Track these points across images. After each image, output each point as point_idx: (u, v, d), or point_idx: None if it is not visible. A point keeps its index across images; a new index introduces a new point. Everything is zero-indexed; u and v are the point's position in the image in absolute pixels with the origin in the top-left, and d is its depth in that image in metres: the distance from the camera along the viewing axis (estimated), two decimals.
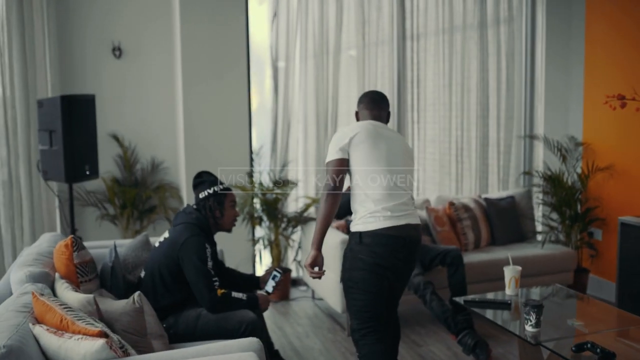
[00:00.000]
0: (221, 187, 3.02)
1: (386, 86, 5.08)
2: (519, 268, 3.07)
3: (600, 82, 4.78)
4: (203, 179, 3.05)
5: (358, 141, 2.60)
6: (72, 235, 2.66)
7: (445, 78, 5.16)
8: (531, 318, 2.60)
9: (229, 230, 3.07)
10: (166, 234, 2.99)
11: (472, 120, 5.24)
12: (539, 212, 5.15)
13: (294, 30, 4.89)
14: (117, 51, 4.65)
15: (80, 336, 1.90)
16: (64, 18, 4.50)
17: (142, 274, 2.99)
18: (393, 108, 5.06)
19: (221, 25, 4.60)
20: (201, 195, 3.00)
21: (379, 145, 2.61)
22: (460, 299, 3.09)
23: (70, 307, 2.11)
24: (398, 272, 2.59)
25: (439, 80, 5.17)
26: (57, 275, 2.57)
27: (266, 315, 4.34)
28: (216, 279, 2.80)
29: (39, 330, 1.97)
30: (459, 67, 5.16)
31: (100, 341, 1.83)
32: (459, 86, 5.19)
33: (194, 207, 3.01)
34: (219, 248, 3.46)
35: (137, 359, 1.83)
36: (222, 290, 2.79)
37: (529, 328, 2.61)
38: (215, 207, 2.97)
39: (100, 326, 2.00)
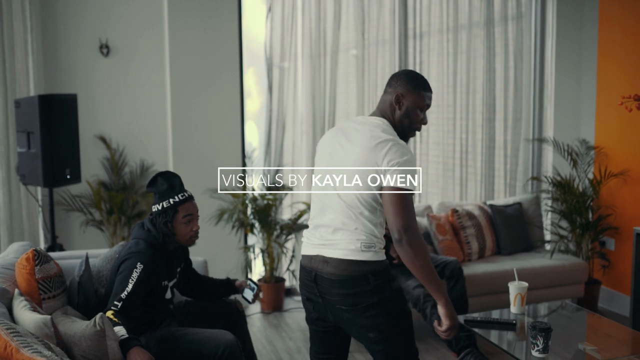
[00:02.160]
0: (171, 201, 2.59)
1: None
2: (525, 284, 2.82)
3: (613, 83, 4.52)
4: (155, 189, 2.63)
5: None
6: (34, 248, 2.44)
7: (450, 78, 4.93)
8: (538, 343, 2.36)
9: (189, 245, 2.72)
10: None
11: (477, 123, 5.00)
12: (547, 219, 4.89)
13: (290, 27, 4.67)
14: (105, 49, 4.44)
15: None
16: (48, 13, 4.29)
17: (104, 290, 2.73)
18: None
19: (212, 23, 4.39)
20: (153, 209, 2.63)
21: (333, 144, 2.19)
22: (461, 318, 2.84)
23: (18, 332, 1.89)
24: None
25: (443, 80, 4.94)
26: (16, 291, 2.35)
27: (257, 327, 4.12)
28: (120, 303, 2.43)
29: None
30: (464, 67, 4.92)
31: None
32: (464, 87, 4.95)
33: (150, 220, 2.64)
34: (202, 259, 3.23)
35: None
36: (112, 317, 2.39)
37: (535, 354, 2.37)
38: (164, 226, 2.59)
39: (48, 355, 1.78)
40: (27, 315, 2.14)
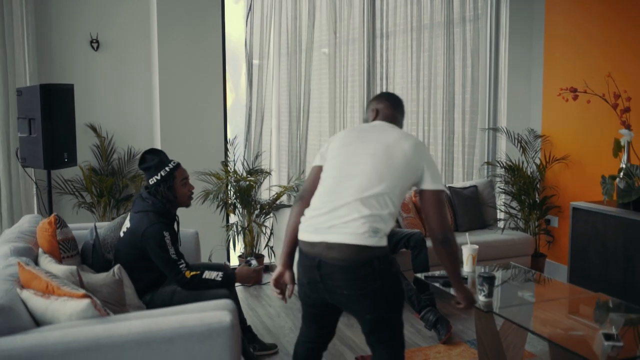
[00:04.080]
0: (167, 168, 2.98)
1: (356, 82, 5.29)
2: (476, 247, 3.29)
3: (557, 79, 5.07)
4: (147, 164, 3.00)
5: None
6: (55, 214, 2.80)
7: (413, 75, 5.39)
8: (484, 289, 2.82)
9: (187, 206, 3.11)
10: (127, 224, 3.03)
11: (438, 115, 5.48)
12: (500, 200, 5.42)
13: (268, 27, 5.07)
14: (95, 43, 4.77)
15: (66, 298, 2.06)
16: (42, 9, 4.61)
17: (112, 262, 3.06)
18: (362, 104, 5.28)
19: (197, 21, 4.75)
20: (151, 182, 2.98)
21: (347, 146, 2.32)
22: (421, 275, 3.30)
23: (55, 275, 2.26)
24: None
25: (407, 77, 5.40)
26: (40, 250, 2.71)
27: (239, 298, 4.51)
28: (182, 262, 2.85)
29: (27, 294, 2.12)
30: (426, 64, 5.39)
31: (86, 301, 1.99)
32: (427, 82, 5.42)
33: (148, 191, 3.00)
34: (193, 230, 3.61)
35: (121, 318, 1.99)
36: (193, 273, 2.84)
37: (482, 297, 2.83)
38: (166, 191, 2.97)
39: (83, 291, 2.16)
40: (54, 267, 2.51)
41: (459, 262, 2.35)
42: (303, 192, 2.35)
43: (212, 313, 1.94)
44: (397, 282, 2.23)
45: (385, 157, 2.20)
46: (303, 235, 2.22)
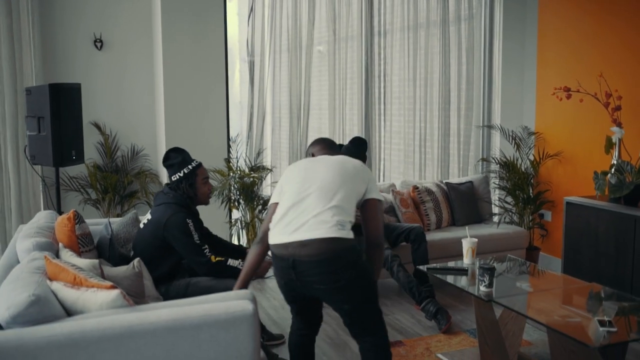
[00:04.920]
0: (190, 167, 3.15)
1: (355, 80, 5.42)
2: (475, 240, 3.44)
3: (550, 76, 5.22)
4: (171, 162, 3.18)
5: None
6: (74, 210, 2.91)
7: (410, 72, 5.52)
8: (485, 279, 2.97)
9: (205, 204, 3.29)
10: (149, 215, 3.19)
11: (434, 112, 5.62)
12: (495, 195, 5.57)
13: (269, 26, 5.18)
14: (99, 43, 4.86)
15: (95, 289, 2.17)
16: (47, 10, 4.68)
17: (132, 253, 3.21)
18: (361, 101, 5.42)
19: (200, 20, 4.84)
20: (173, 178, 3.16)
21: (303, 170, 2.58)
22: (423, 267, 3.44)
23: (80, 268, 2.38)
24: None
25: (404, 74, 5.53)
26: (60, 245, 2.82)
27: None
28: (206, 247, 3.02)
29: (57, 286, 2.23)
30: (422, 62, 5.53)
31: (116, 291, 2.11)
32: (423, 80, 5.55)
33: (169, 187, 3.18)
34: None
35: (149, 307, 2.11)
36: (218, 258, 3.00)
37: (482, 288, 2.98)
38: (188, 188, 3.14)
39: (111, 283, 2.28)
40: (77, 260, 2.62)
41: (381, 263, 2.64)
42: (263, 235, 2.53)
43: (236, 302, 2.06)
44: (369, 272, 2.44)
45: (338, 169, 2.51)
46: (275, 239, 2.40)
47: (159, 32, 4.81)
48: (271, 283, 4.87)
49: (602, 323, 2.50)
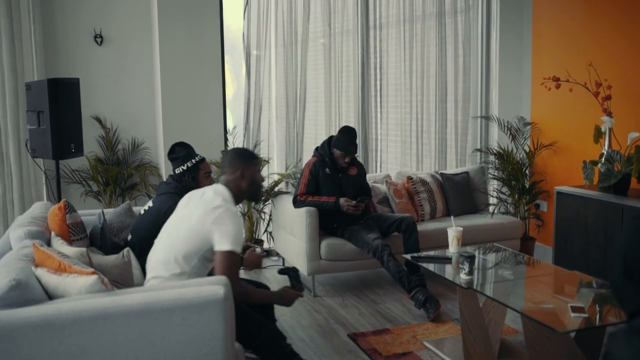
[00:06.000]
0: (194, 161, 3.28)
1: (351, 73, 5.47)
2: (460, 228, 3.49)
3: (545, 66, 5.23)
4: (176, 155, 3.31)
5: None
6: (65, 199, 3.01)
7: (407, 65, 5.56)
8: (465, 267, 3.03)
9: None
10: (150, 203, 3.30)
11: (431, 104, 5.65)
12: (491, 186, 5.60)
13: (265, 19, 5.25)
14: (99, 38, 4.96)
15: (76, 275, 2.27)
16: (48, 6, 4.80)
17: (129, 237, 3.32)
18: (357, 94, 5.46)
19: (196, 15, 4.92)
20: (177, 171, 3.28)
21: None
22: (408, 256, 3.50)
23: (67, 255, 2.47)
24: None
25: (401, 67, 5.56)
26: (53, 233, 2.92)
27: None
28: None
29: (41, 272, 2.33)
30: (419, 54, 5.56)
31: (94, 277, 2.20)
32: (419, 72, 5.58)
33: (173, 179, 3.31)
34: None
35: (124, 291, 2.21)
36: None
37: (463, 275, 3.03)
38: (190, 181, 3.26)
39: (92, 269, 2.37)
40: (66, 248, 2.71)
41: (262, 296, 2.80)
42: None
43: (208, 287, 2.15)
44: None
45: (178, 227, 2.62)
46: None
47: (155, 26, 4.90)
48: (268, 273, 4.97)
49: (574, 309, 2.55)
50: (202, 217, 2.51)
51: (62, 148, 4.15)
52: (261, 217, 5.12)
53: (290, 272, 2.88)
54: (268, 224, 5.20)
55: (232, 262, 2.44)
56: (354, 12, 5.42)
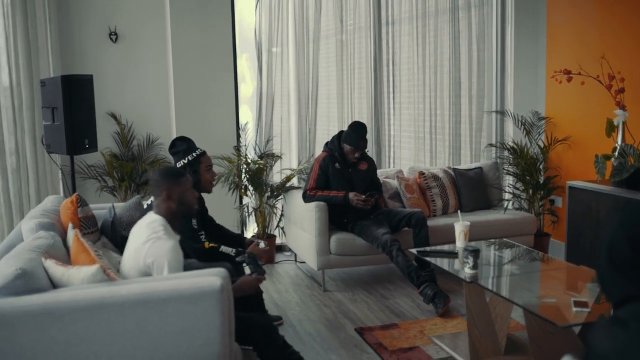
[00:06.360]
0: (194, 154, 3.31)
1: (363, 69, 5.46)
2: (468, 223, 3.48)
3: (559, 59, 5.15)
4: (177, 149, 3.35)
5: None
6: (77, 193, 3.08)
7: (420, 61, 5.52)
8: (469, 261, 3.01)
9: (208, 191, 3.42)
10: (152, 198, 3.36)
11: (445, 99, 5.61)
12: (506, 181, 5.54)
13: (277, 15, 5.27)
14: (114, 35, 5.04)
15: (81, 265, 2.32)
16: (63, 5, 4.89)
17: None
18: (370, 90, 5.46)
19: (208, 12, 4.98)
20: (178, 165, 3.32)
21: None
22: (414, 250, 3.49)
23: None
24: None
25: (414, 63, 5.53)
26: (70, 225, 2.97)
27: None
28: (202, 232, 3.16)
29: (49, 263, 2.38)
30: (432, 50, 5.52)
31: (96, 266, 2.25)
32: (433, 68, 5.54)
33: None
34: (209, 214, 3.86)
35: (123, 282, 2.25)
36: (212, 244, 3.12)
37: (467, 269, 3.02)
38: (191, 174, 3.21)
39: (97, 259, 2.42)
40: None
41: None
42: None
43: (204, 278, 2.18)
44: None
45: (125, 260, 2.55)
46: None
47: (168, 23, 4.96)
48: (280, 268, 5.00)
49: (577, 304, 2.52)
50: (135, 255, 2.48)
51: (75, 144, 4.23)
52: (273, 212, 5.15)
53: (246, 259, 2.94)
54: (280, 219, 5.23)
55: None
56: (366, 8, 5.40)
